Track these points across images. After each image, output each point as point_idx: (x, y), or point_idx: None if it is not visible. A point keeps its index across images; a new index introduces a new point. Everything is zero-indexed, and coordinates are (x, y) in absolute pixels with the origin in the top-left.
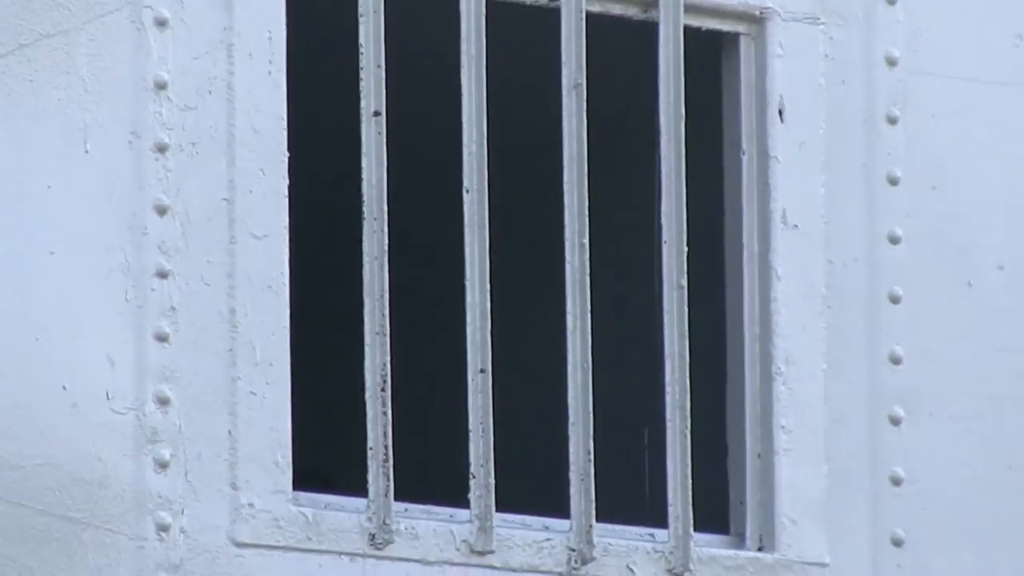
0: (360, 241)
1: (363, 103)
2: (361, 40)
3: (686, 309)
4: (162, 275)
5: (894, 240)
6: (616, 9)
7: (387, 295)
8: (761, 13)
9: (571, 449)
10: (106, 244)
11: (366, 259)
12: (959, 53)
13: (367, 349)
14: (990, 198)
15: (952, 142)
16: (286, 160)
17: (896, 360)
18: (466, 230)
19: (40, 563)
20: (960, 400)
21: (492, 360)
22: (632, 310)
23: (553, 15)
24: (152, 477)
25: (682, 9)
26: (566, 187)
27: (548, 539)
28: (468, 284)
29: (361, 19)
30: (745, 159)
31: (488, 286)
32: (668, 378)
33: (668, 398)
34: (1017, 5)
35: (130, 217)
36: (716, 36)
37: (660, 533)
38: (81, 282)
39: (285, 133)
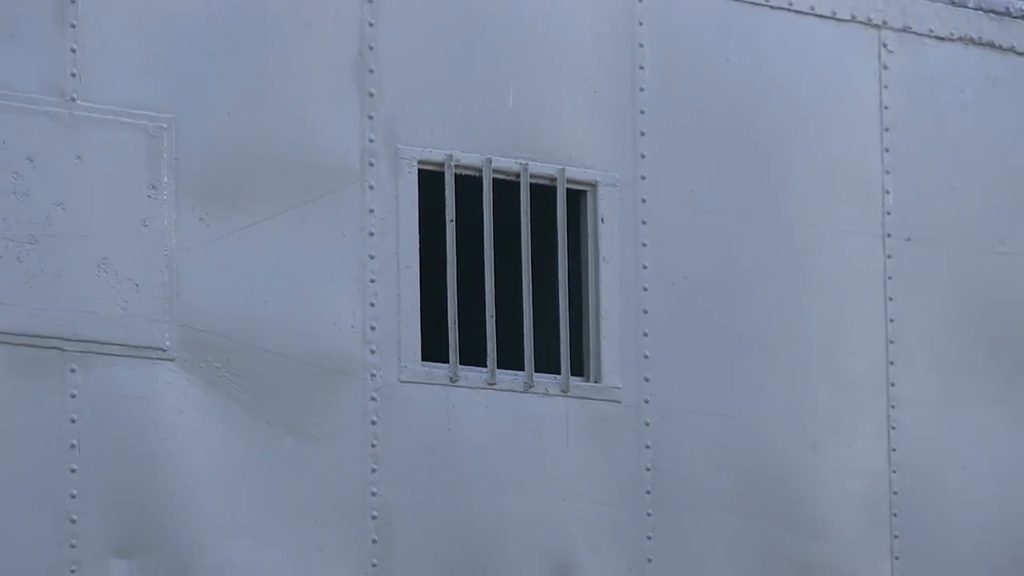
0: (446, 269)
1: (447, 216)
2: (446, 191)
3: (567, 292)
4: (372, 281)
5: (645, 267)
6: (542, 182)
7: (455, 285)
8: (595, 182)
9: (525, 343)
10: (352, 269)
11: (449, 280)
12: (676, 190)
13: (449, 311)
14: (682, 245)
15: (669, 229)
16: (417, 241)
17: (646, 312)
18: (485, 285)
19: (317, 390)
20: (671, 319)
21: (496, 311)
22: (550, 297)
23: (517, 184)
24: (368, 356)
25: (566, 180)
26: (523, 251)
27: (516, 378)
28: (487, 290)
29: (447, 187)
30: (589, 239)
31: (494, 292)
32: (561, 319)
33: (561, 329)
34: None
35: (360, 262)
36: (579, 192)
37: (559, 377)
38: (341, 282)
39: (418, 235)
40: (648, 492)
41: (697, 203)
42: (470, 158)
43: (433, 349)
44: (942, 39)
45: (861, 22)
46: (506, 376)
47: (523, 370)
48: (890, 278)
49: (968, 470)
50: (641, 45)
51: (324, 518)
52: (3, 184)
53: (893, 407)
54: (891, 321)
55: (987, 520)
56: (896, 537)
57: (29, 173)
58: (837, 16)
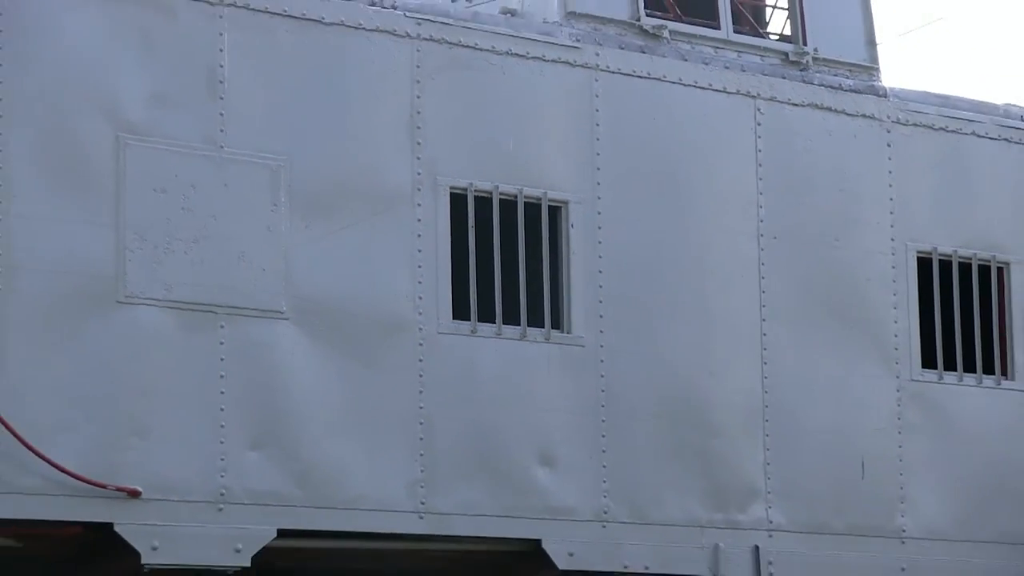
0: (468, 259)
1: (469, 223)
2: (468, 208)
3: (550, 273)
4: (419, 267)
5: (600, 257)
6: (532, 200)
7: (475, 269)
8: (567, 200)
9: (521, 307)
10: (406, 259)
11: (470, 266)
12: (622, 206)
13: (471, 286)
14: (625, 243)
15: (616, 232)
16: (449, 241)
17: (601, 287)
18: (495, 268)
19: (383, 339)
20: (617, 292)
21: (501, 286)
22: (538, 276)
23: (515, 204)
24: (416, 316)
25: (548, 199)
26: (519, 247)
27: (515, 331)
28: (495, 272)
29: (469, 205)
30: (563, 239)
31: (500, 273)
32: (546, 291)
33: (546, 297)
34: None
35: (411, 255)
36: (557, 207)
37: (544, 329)
38: (399, 268)
39: (449, 237)
40: (603, 406)
41: (635, 215)
42: (484, 185)
43: (460, 311)
44: (796, 105)
45: (743, 94)
46: (508, 329)
47: (520, 325)
48: (763, 264)
49: (814, 390)
50: (597, 110)
51: (388, 423)
52: (176, 203)
53: (765, 349)
54: (763, 292)
55: (826, 424)
56: (767, 436)
57: (192, 195)
58: (727, 90)
